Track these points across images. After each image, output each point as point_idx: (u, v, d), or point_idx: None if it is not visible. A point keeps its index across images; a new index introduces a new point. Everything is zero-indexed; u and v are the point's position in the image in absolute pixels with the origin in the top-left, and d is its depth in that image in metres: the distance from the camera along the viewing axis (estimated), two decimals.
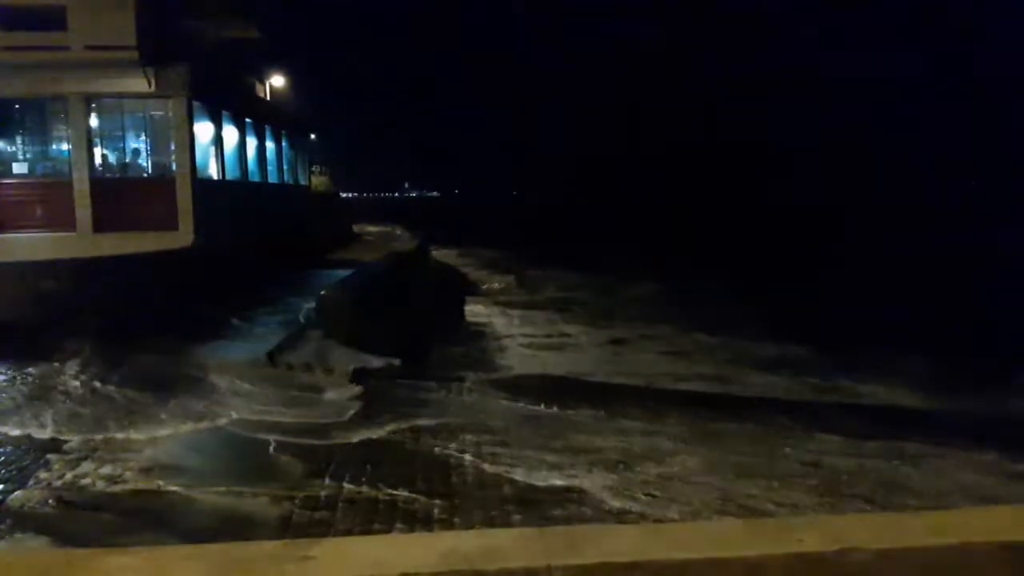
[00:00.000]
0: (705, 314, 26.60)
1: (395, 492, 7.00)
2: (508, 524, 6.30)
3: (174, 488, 7.05)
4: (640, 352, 21.44)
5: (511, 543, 2.07)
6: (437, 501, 6.85)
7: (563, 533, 2.19)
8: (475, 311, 27.61)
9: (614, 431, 9.49)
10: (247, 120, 21.13)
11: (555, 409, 10.46)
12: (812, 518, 2.34)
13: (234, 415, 9.54)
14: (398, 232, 43.33)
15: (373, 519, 6.40)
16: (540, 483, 7.56)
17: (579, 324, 25.89)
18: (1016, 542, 2.24)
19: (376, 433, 8.98)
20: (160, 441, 8.41)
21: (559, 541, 2.08)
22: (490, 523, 6.40)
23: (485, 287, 35.83)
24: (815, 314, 24.48)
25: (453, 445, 8.57)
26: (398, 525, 6.35)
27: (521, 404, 10.72)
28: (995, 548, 2.22)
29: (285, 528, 6.09)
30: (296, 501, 6.69)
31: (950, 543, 2.19)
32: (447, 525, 6.32)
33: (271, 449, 8.39)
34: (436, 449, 8.48)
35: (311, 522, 6.23)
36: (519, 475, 7.69)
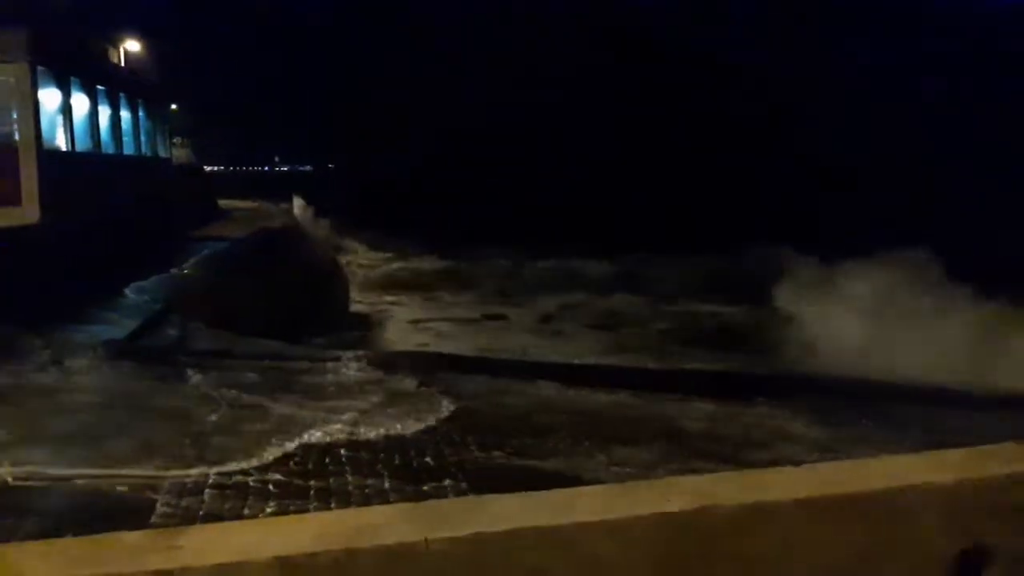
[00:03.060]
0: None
1: None
2: None
3: None
4: (518, 330, 21.87)
5: (386, 519, 2.07)
6: None
7: (439, 506, 2.21)
8: (358, 291, 27.15)
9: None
10: (99, 87, 19.78)
11: (423, 387, 10.50)
12: (678, 479, 2.47)
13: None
14: (269, 208, 41.90)
15: None
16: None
17: (463, 304, 26.00)
18: (858, 493, 2.45)
19: None
20: None
21: (435, 514, 2.10)
22: None
23: (366, 265, 35.22)
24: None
25: None
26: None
27: (394, 378, 10.67)
28: (840, 499, 2.41)
29: None
30: None
31: (799, 497, 2.36)
32: None
33: None
34: None
35: None
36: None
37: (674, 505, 2.21)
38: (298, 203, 40.96)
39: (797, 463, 2.62)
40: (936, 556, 2.48)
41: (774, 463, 6.15)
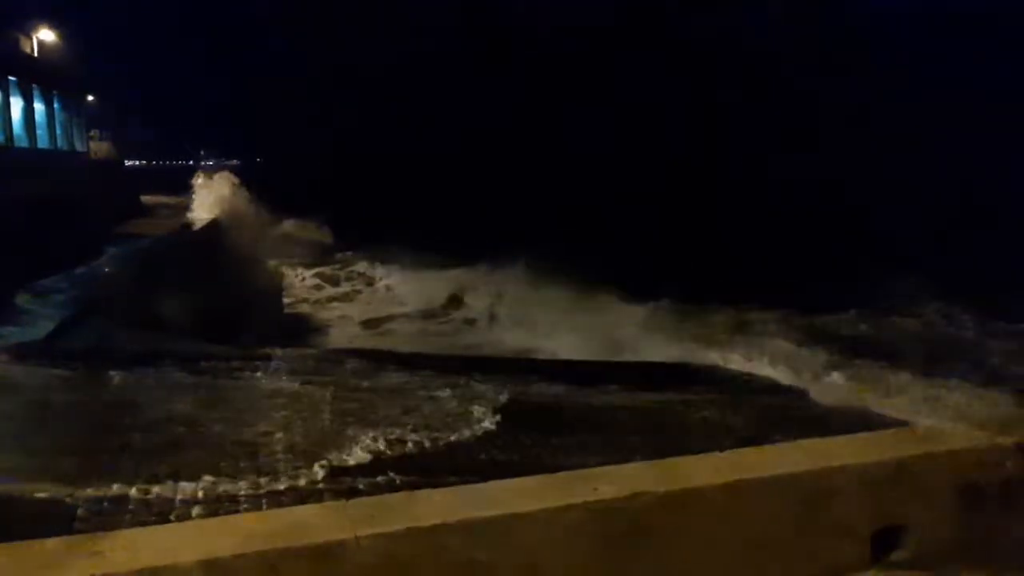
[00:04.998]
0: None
1: None
2: None
3: None
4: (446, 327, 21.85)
5: (316, 518, 2.06)
6: None
7: (368, 503, 2.20)
8: (291, 288, 26.55)
9: None
10: (10, 78, 18.91)
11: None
12: (607, 469, 2.51)
13: None
14: (195, 204, 40.63)
15: None
16: None
17: (395, 301, 25.72)
18: (780, 475, 2.53)
19: None
20: None
21: (364, 511, 2.09)
22: None
23: (298, 263, 34.46)
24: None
25: None
26: None
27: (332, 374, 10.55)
28: (763, 482, 2.49)
29: None
30: None
31: (725, 481, 2.44)
32: None
33: None
34: None
35: None
36: None
37: (604, 493, 2.26)
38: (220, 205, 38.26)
39: (721, 449, 2.70)
40: (856, 532, 2.59)
41: None
